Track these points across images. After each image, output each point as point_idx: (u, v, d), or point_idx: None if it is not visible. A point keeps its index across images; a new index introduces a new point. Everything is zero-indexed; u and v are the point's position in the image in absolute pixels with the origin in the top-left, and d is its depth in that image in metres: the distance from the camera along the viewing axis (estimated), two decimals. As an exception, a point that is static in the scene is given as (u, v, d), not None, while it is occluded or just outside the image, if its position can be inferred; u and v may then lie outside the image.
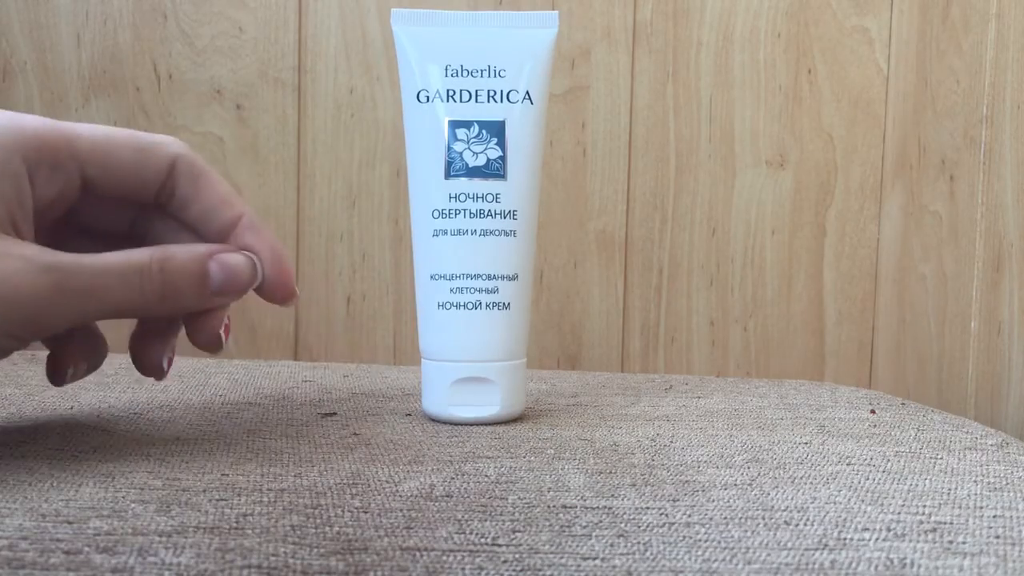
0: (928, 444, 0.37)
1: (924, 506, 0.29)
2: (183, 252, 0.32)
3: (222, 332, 0.34)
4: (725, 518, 0.27)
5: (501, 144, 0.39)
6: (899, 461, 0.34)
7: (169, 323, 0.34)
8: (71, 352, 0.34)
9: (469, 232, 0.39)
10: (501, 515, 0.27)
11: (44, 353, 0.34)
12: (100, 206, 0.34)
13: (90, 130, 0.31)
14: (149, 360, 0.34)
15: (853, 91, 0.62)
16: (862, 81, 0.62)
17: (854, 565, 0.25)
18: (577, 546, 0.25)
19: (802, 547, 0.25)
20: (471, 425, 0.39)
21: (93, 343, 0.34)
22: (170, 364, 0.34)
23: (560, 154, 0.63)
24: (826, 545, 0.26)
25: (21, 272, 0.28)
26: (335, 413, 0.40)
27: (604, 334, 0.63)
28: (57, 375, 0.34)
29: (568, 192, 0.63)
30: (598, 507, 0.28)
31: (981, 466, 0.33)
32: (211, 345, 0.34)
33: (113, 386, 0.44)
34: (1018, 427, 0.46)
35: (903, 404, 0.46)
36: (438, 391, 0.39)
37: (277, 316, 0.63)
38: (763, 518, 0.27)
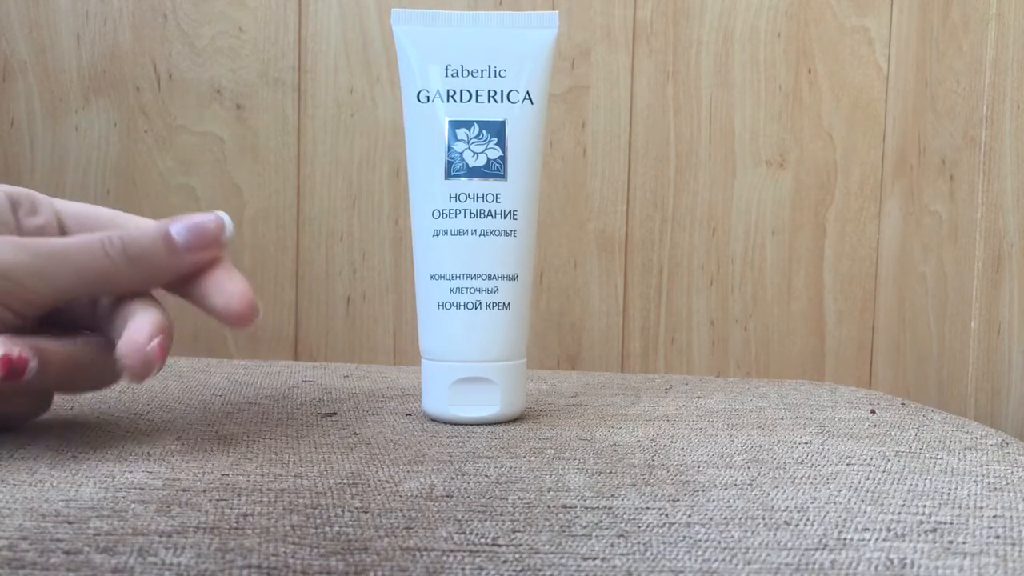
0: (928, 444, 0.37)
1: (924, 506, 0.29)
2: (140, 221, 0.35)
3: (244, 297, 0.33)
4: (725, 518, 0.27)
5: (501, 144, 0.39)
6: (899, 461, 0.34)
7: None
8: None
9: (469, 232, 0.39)
10: (501, 515, 0.27)
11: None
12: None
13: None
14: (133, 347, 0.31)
15: (853, 91, 0.62)
16: (862, 81, 0.62)
17: (854, 565, 0.25)
18: (577, 546, 0.25)
19: (802, 547, 0.25)
20: (471, 425, 0.39)
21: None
22: (162, 352, 0.31)
23: (560, 154, 0.63)
24: (826, 545, 0.26)
25: (4, 247, 0.31)
26: (335, 413, 0.40)
27: (604, 334, 0.63)
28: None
29: (568, 192, 0.63)
30: (598, 507, 0.28)
31: (981, 466, 0.33)
32: (236, 311, 0.33)
33: (113, 386, 0.44)
34: (1018, 427, 0.46)
35: (903, 404, 0.46)
36: (438, 391, 0.39)
37: (277, 316, 0.63)
38: (763, 518, 0.27)
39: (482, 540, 0.25)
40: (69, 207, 0.36)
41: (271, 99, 0.62)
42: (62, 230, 0.35)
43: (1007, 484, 0.31)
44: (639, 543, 0.26)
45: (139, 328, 0.31)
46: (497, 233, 0.39)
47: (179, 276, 0.33)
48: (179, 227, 0.33)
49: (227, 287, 0.33)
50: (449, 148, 0.39)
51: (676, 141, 0.63)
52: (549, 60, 0.40)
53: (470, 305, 0.39)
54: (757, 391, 0.49)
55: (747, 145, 0.62)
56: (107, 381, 0.34)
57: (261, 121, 0.62)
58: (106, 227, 0.35)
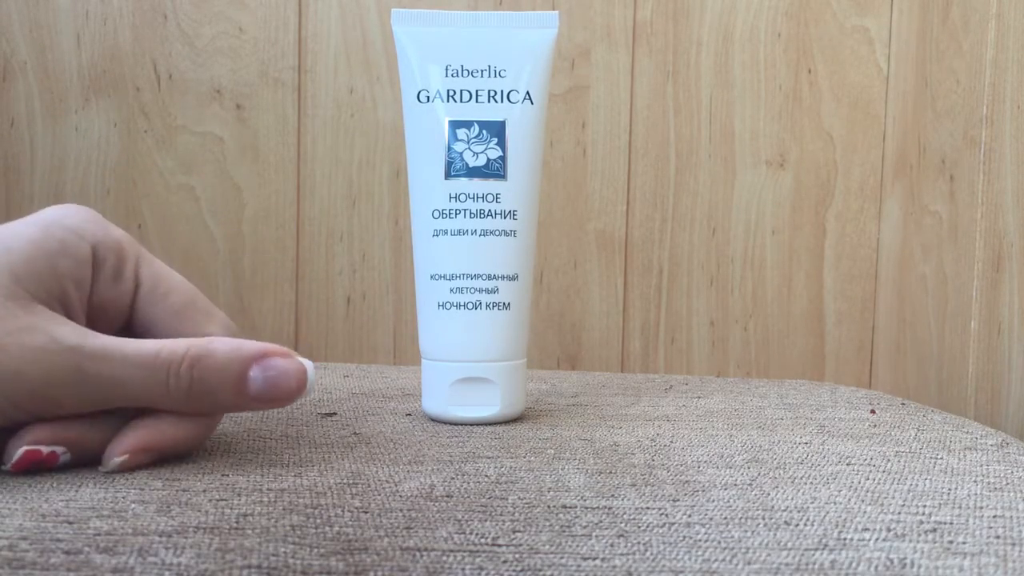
0: (928, 444, 0.37)
1: (924, 506, 0.29)
2: (224, 350, 0.29)
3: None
4: (725, 518, 0.27)
5: (501, 144, 0.39)
6: (899, 461, 0.34)
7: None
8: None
9: (469, 232, 0.39)
10: (501, 515, 0.27)
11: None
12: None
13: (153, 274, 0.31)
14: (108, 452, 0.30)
15: (853, 91, 0.62)
16: (862, 81, 0.62)
17: (854, 565, 0.25)
18: (577, 546, 0.25)
19: (802, 547, 0.25)
20: (471, 425, 0.39)
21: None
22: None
23: (560, 154, 0.63)
24: (826, 545, 0.26)
25: (42, 349, 0.27)
26: (335, 413, 0.40)
27: (604, 334, 0.63)
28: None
29: (568, 192, 0.63)
30: (598, 507, 0.28)
31: (981, 466, 0.33)
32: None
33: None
34: (1018, 427, 0.46)
35: (903, 404, 0.46)
36: (438, 391, 0.39)
37: (277, 316, 0.63)
38: (763, 518, 0.27)
39: (482, 540, 0.25)
40: (150, 272, 0.31)
41: (271, 99, 0.62)
42: (134, 297, 0.31)
43: (1007, 484, 0.31)
44: (639, 543, 0.26)
45: (128, 439, 0.29)
46: (497, 233, 0.39)
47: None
48: (258, 374, 0.29)
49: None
50: (449, 148, 0.39)
51: (676, 141, 0.63)
52: (549, 60, 0.40)
53: (470, 305, 0.39)
54: (757, 391, 0.49)
55: (747, 145, 0.62)
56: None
57: (261, 121, 0.62)
58: (178, 316, 0.31)
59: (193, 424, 0.30)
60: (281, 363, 0.30)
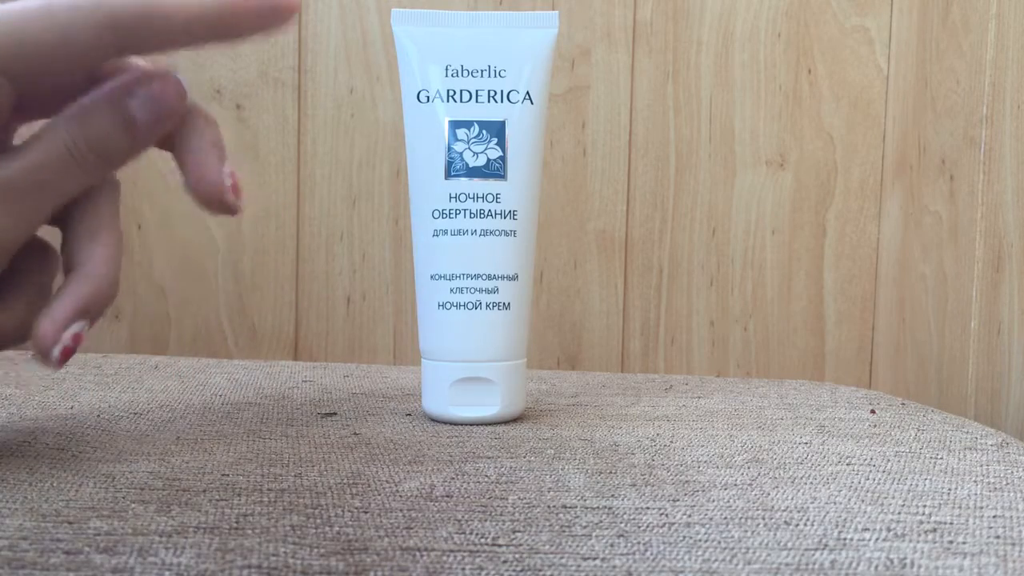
0: (928, 444, 0.37)
1: (924, 506, 0.29)
2: (96, 108, 0.29)
3: (226, 180, 0.30)
4: (725, 518, 0.27)
5: (501, 144, 0.39)
6: (899, 461, 0.34)
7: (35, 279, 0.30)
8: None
9: (469, 232, 0.39)
10: (501, 515, 0.27)
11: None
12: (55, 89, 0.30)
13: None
14: (41, 343, 0.28)
15: (853, 91, 0.62)
16: (862, 81, 0.62)
17: (854, 565, 0.25)
18: (577, 546, 0.25)
19: (802, 547, 0.25)
20: (471, 425, 0.39)
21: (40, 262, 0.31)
22: (66, 355, 0.29)
23: (560, 154, 0.63)
24: (826, 545, 0.26)
25: None
26: (335, 413, 0.40)
27: (604, 334, 0.63)
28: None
29: (568, 192, 0.63)
30: (598, 507, 0.28)
31: (981, 466, 0.33)
32: (212, 197, 0.30)
33: (113, 386, 0.44)
34: (1018, 427, 0.46)
35: (903, 404, 0.46)
36: (438, 391, 0.39)
37: (277, 316, 0.63)
38: (763, 518, 0.27)
39: (482, 540, 0.25)
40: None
41: (271, 99, 0.62)
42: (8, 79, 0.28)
43: (1007, 484, 0.31)
44: (639, 543, 0.26)
45: (56, 318, 0.28)
46: (497, 233, 0.39)
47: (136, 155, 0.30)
48: (138, 104, 0.29)
49: (200, 163, 0.30)
50: (449, 148, 0.39)
51: (676, 141, 0.63)
52: (549, 60, 0.40)
53: (470, 305, 0.39)
54: (757, 391, 0.49)
55: (747, 145, 0.62)
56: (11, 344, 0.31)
57: (261, 121, 0.62)
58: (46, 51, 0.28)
59: (103, 260, 0.30)
60: (153, 87, 0.30)
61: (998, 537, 0.26)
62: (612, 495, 0.29)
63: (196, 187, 0.30)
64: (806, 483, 0.31)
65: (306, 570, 0.24)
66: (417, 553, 0.25)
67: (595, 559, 0.25)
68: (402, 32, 0.40)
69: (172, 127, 0.30)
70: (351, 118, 0.62)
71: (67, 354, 0.28)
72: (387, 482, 0.30)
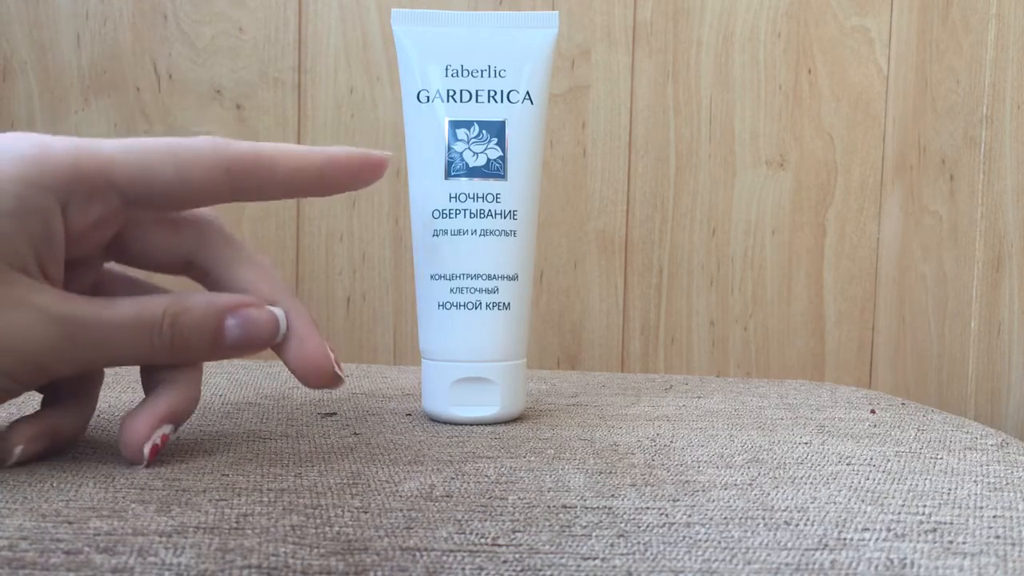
0: (928, 444, 0.37)
1: (924, 506, 0.29)
2: (200, 305, 0.30)
3: (332, 361, 0.32)
4: (725, 518, 0.27)
5: (501, 144, 0.39)
6: (899, 461, 0.34)
7: (162, 403, 0.32)
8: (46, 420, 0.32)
9: (469, 232, 0.39)
10: (501, 515, 0.27)
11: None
12: (151, 229, 0.32)
13: (124, 150, 0.29)
14: (132, 438, 0.31)
15: (853, 91, 0.62)
16: (862, 81, 0.62)
17: (854, 565, 0.25)
18: (577, 546, 0.25)
19: (802, 547, 0.25)
20: (471, 425, 0.39)
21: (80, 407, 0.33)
22: (154, 452, 0.31)
23: (560, 154, 0.62)
24: (826, 545, 0.26)
25: (32, 323, 0.28)
26: (335, 413, 0.40)
27: (604, 334, 0.63)
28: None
29: (568, 192, 0.63)
30: (598, 507, 0.28)
31: (981, 466, 0.33)
32: (316, 375, 0.32)
33: (113, 386, 0.44)
34: (1018, 427, 0.46)
35: (903, 404, 0.46)
36: (438, 391, 0.39)
37: (277, 316, 0.63)
38: (763, 518, 0.27)
39: (482, 540, 0.25)
40: (125, 170, 0.29)
41: (271, 99, 0.62)
42: (125, 203, 0.30)
43: (1007, 484, 0.31)
44: (639, 543, 0.26)
45: (147, 420, 0.30)
46: (497, 233, 0.39)
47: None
48: (234, 324, 0.31)
49: (304, 352, 0.32)
50: (449, 148, 0.39)
51: (676, 141, 0.63)
52: (549, 60, 0.40)
53: (470, 305, 0.39)
54: (757, 391, 0.49)
55: (747, 145, 0.62)
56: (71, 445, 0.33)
57: (261, 121, 0.62)
58: (171, 183, 0.30)
59: (175, 391, 0.32)
60: (254, 313, 0.31)
61: (998, 537, 0.26)
62: (612, 495, 0.29)
63: (305, 373, 0.32)
64: (806, 483, 0.31)
65: (306, 570, 0.24)
66: (417, 553, 0.25)
67: (595, 559, 0.25)
68: (402, 32, 0.40)
69: (254, 353, 0.32)
70: (351, 118, 0.62)
71: (154, 452, 0.31)
72: (387, 482, 0.30)
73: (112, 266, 0.33)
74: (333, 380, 0.32)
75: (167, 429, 0.31)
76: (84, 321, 0.28)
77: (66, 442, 0.32)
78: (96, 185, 0.29)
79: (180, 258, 0.33)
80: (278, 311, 0.32)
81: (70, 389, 0.33)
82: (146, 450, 0.30)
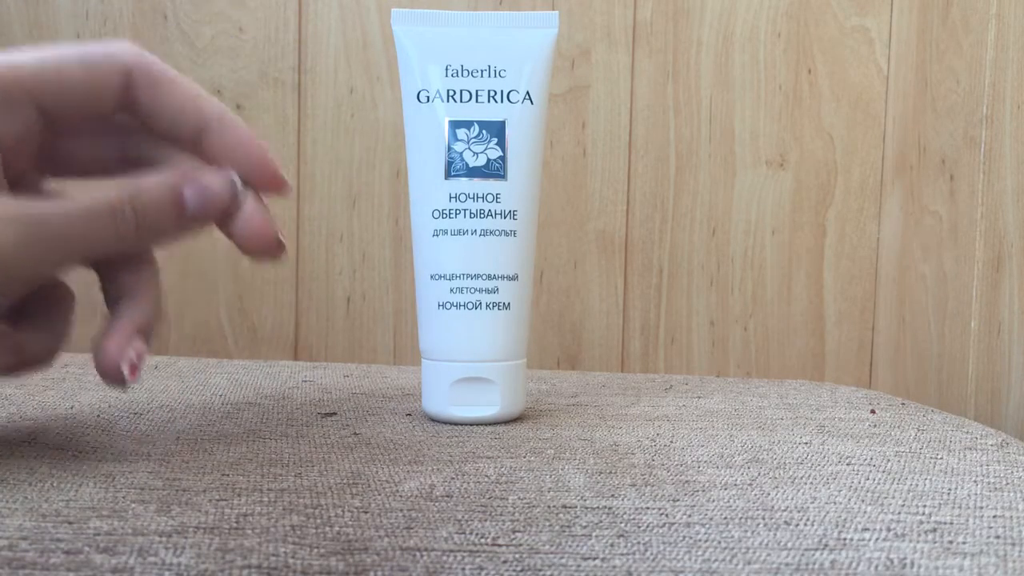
0: (928, 444, 0.37)
1: (924, 506, 0.29)
2: (153, 183, 0.30)
3: (275, 232, 0.32)
4: (725, 518, 0.27)
5: (501, 144, 0.39)
6: (899, 461, 0.34)
7: (133, 313, 0.31)
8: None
9: (469, 232, 0.39)
10: (501, 515, 0.27)
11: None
12: (76, 138, 0.32)
13: (34, 57, 0.30)
14: (107, 360, 0.30)
15: (853, 91, 0.62)
16: (862, 81, 0.62)
17: (854, 565, 0.25)
18: (577, 546, 0.25)
19: (802, 547, 0.25)
20: (471, 425, 0.39)
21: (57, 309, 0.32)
22: (133, 369, 0.30)
23: (560, 154, 0.63)
24: (826, 545, 0.26)
25: None
26: (335, 413, 0.40)
27: (604, 334, 0.63)
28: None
29: (568, 192, 0.63)
30: (598, 507, 0.28)
31: (981, 466, 0.33)
32: (265, 247, 0.32)
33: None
34: (1018, 427, 0.46)
35: (903, 404, 0.46)
36: (438, 391, 0.39)
37: (277, 316, 0.63)
38: (763, 518, 0.27)
39: (482, 540, 0.25)
40: (33, 73, 0.29)
41: (271, 99, 0.62)
42: (41, 112, 0.30)
43: (1007, 484, 0.31)
44: (639, 543, 0.26)
45: (117, 339, 0.30)
46: (497, 233, 0.39)
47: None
48: (191, 192, 0.30)
49: (248, 221, 0.32)
50: (449, 148, 0.39)
51: (676, 141, 0.63)
52: (549, 60, 0.40)
53: (470, 305, 0.39)
54: (757, 391, 0.49)
55: (747, 145, 0.62)
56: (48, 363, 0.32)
57: (261, 121, 0.62)
58: (80, 87, 0.30)
59: (147, 299, 0.31)
60: (207, 177, 0.31)
61: (998, 537, 0.26)
62: (612, 495, 0.29)
63: (248, 244, 0.32)
64: (806, 483, 0.31)
65: (306, 570, 0.24)
66: (417, 553, 0.25)
67: (595, 559, 0.25)
68: (402, 32, 0.40)
69: (217, 220, 0.32)
70: (351, 118, 0.62)
71: (134, 368, 0.30)
72: (387, 482, 0.30)
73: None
74: (276, 247, 0.32)
75: (138, 343, 0.30)
76: (43, 217, 0.28)
77: (37, 362, 0.31)
78: (12, 94, 0.29)
79: (116, 152, 0.32)
80: (231, 173, 0.32)
81: (36, 307, 0.32)
82: (125, 368, 0.30)
